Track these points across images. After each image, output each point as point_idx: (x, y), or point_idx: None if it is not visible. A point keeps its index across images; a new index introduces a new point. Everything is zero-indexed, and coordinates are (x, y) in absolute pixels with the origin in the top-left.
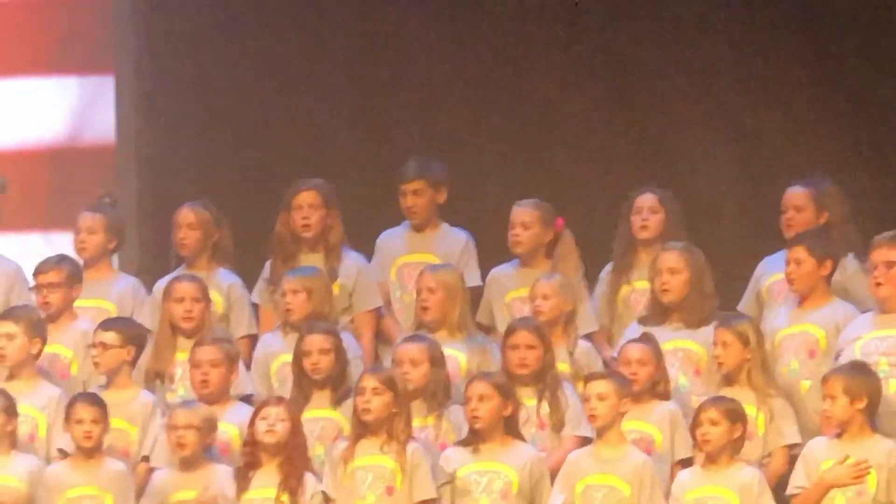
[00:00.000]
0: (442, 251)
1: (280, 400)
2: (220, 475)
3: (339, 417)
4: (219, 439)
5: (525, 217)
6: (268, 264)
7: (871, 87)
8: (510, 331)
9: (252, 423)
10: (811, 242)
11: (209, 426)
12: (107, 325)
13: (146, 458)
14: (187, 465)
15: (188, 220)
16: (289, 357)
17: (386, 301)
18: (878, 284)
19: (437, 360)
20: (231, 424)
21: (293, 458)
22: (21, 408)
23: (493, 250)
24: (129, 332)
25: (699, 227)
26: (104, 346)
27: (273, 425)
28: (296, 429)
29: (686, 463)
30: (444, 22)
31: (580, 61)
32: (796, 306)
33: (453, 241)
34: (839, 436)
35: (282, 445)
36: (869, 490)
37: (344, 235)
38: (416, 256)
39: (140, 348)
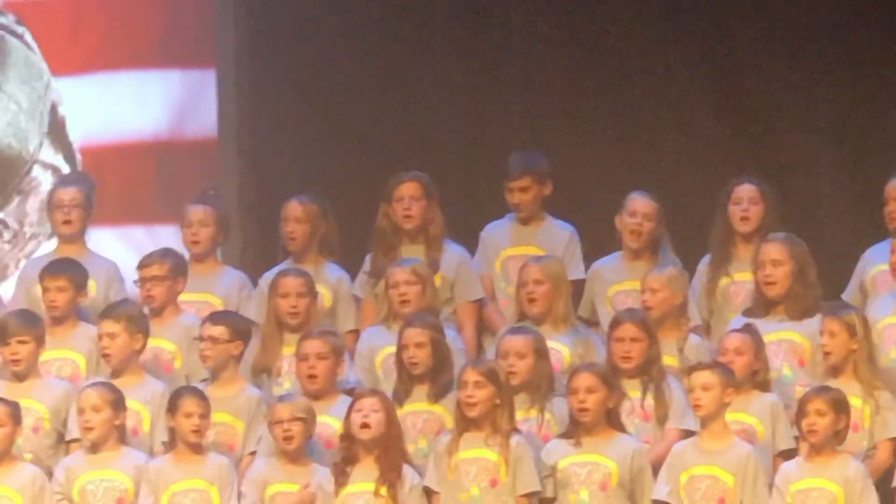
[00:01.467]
0: (547, 244)
1: (374, 392)
2: (319, 472)
3: (441, 411)
4: (325, 433)
5: (647, 208)
6: (368, 257)
7: None
8: (615, 323)
9: (348, 416)
10: None
11: (312, 418)
12: (215, 318)
13: (252, 453)
14: (291, 458)
15: (296, 213)
16: (392, 349)
17: (490, 293)
18: None
19: (542, 353)
20: (337, 419)
21: (389, 450)
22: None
23: (595, 243)
24: (238, 326)
25: (802, 218)
26: (213, 339)
27: (367, 417)
28: (391, 421)
29: (787, 454)
30: (547, 14)
31: (683, 52)
32: None
33: (558, 235)
34: None
35: (377, 438)
36: None
37: (444, 227)
38: (522, 249)
39: (247, 343)
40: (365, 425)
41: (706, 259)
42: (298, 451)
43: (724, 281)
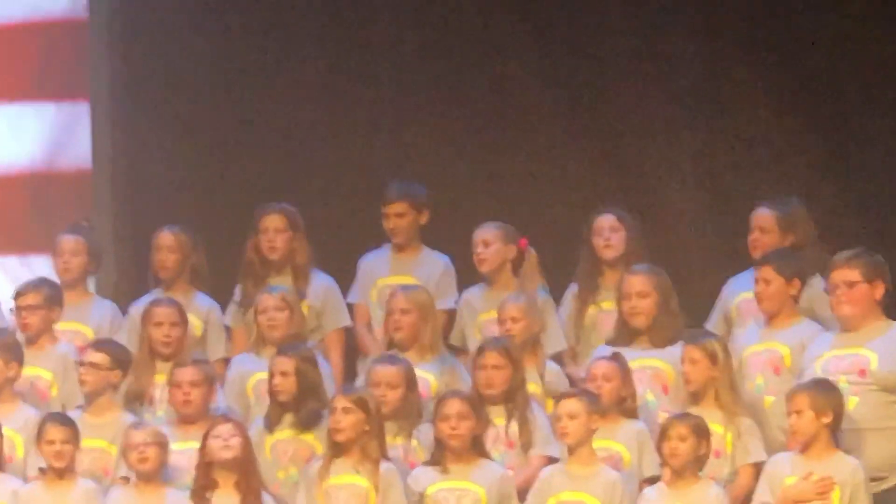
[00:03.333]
0: (422, 274)
1: (229, 419)
2: (178, 497)
3: (311, 438)
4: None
5: (485, 236)
6: (238, 288)
7: (838, 107)
8: (479, 351)
9: (203, 444)
10: (780, 262)
11: (165, 443)
12: (98, 346)
13: (125, 479)
14: (145, 482)
15: (167, 242)
16: (263, 375)
17: (366, 322)
18: (840, 304)
19: (412, 383)
20: None
21: (249, 475)
22: None
23: (470, 275)
24: (119, 355)
25: (665, 246)
26: (94, 365)
27: (227, 440)
28: (247, 446)
29: (653, 481)
30: (417, 44)
31: (548, 85)
32: (765, 325)
33: (434, 265)
34: (803, 452)
35: (238, 461)
36: None
37: (311, 257)
38: (398, 279)
39: (125, 373)
40: (226, 447)
41: (572, 288)
42: (153, 474)
43: (591, 309)
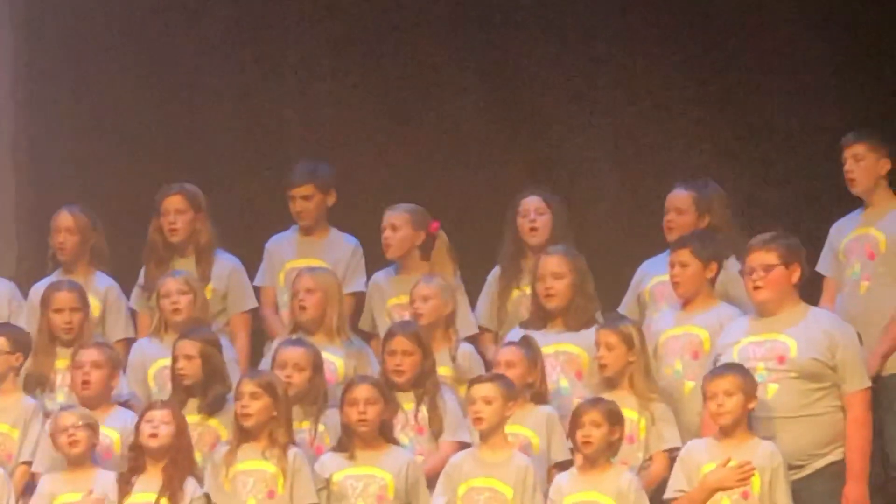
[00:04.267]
0: (330, 257)
1: (165, 403)
2: (104, 479)
3: (216, 424)
4: (102, 444)
5: (394, 220)
6: (142, 270)
7: (754, 89)
8: (388, 336)
9: (138, 426)
10: (696, 245)
11: (95, 426)
12: None
13: (28, 463)
14: (76, 465)
15: (66, 223)
16: (166, 361)
17: (273, 305)
18: (756, 288)
19: (318, 366)
20: (113, 429)
21: (177, 461)
22: None
23: (380, 257)
24: (18, 338)
25: (579, 229)
26: None
27: (157, 428)
28: (181, 432)
29: (562, 466)
30: (326, 22)
31: (463, 63)
32: (681, 308)
33: (342, 247)
34: (721, 438)
35: (165, 449)
36: (753, 492)
37: (215, 238)
38: (305, 261)
39: (27, 354)
40: (153, 435)
41: (495, 271)
42: (84, 456)
43: (515, 293)
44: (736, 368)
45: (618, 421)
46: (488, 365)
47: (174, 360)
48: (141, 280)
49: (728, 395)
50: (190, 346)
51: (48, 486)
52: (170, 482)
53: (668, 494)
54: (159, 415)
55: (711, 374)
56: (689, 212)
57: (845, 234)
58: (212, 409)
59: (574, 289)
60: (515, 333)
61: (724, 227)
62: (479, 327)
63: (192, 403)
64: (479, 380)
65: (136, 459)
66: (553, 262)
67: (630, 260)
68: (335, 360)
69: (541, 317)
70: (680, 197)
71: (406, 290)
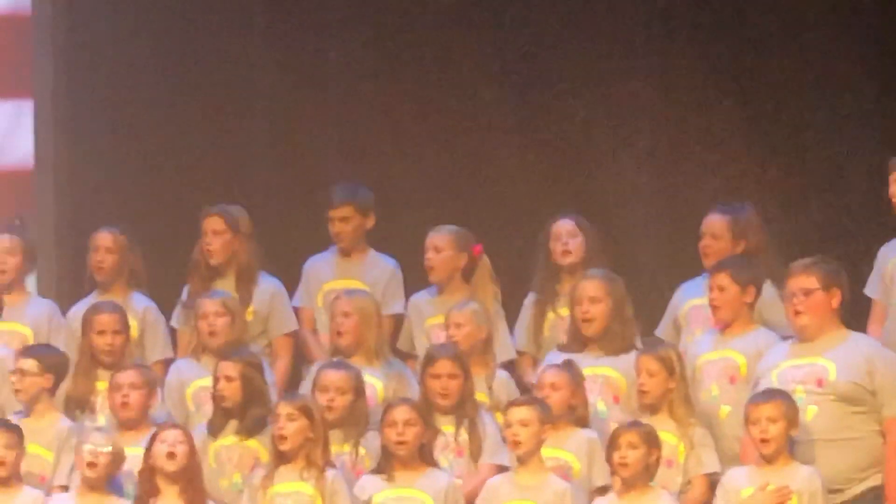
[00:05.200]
0: (369, 278)
1: (176, 425)
2: None
3: (255, 445)
4: (139, 465)
5: (437, 242)
6: (185, 289)
7: (796, 112)
8: (430, 359)
9: (149, 449)
10: (735, 269)
11: (120, 455)
12: (26, 352)
13: (64, 487)
14: (93, 488)
15: (106, 243)
16: (204, 381)
17: (311, 327)
18: (797, 313)
19: (360, 390)
20: None
21: (195, 483)
22: None
23: (419, 278)
24: (49, 359)
25: (617, 252)
26: (23, 373)
27: (174, 447)
28: (193, 454)
29: (603, 491)
30: (366, 46)
31: (503, 86)
32: (719, 333)
33: (380, 268)
34: (760, 464)
35: (182, 470)
36: None
37: (257, 260)
38: (344, 282)
39: (60, 375)
40: (171, 455)
41: (531, 296)
42: (100, 481)
43: (551, 316)
44: (780, 395)
45: (655, 443)
46: (526, 389)
47: (215, 381)
48: (183, 298)
49: (772, 422)
50: (231, 368)
51: None
52: None
53: None
54: (173, 435)
55: (755, 400)
56: (725, 237)
57: (891, 257)
58: (251, 431)
59: (612, 313)
60: (555, 356)
61: (761, 251)
62: (517, 351)
63: (232, 425)
64: (516, 403)
65: (150, 482)
66: (591, 287)
67: (667, 283)
68: (375, 383)
69: (578, 340)
70: (716, 222)
71: (445, 310)
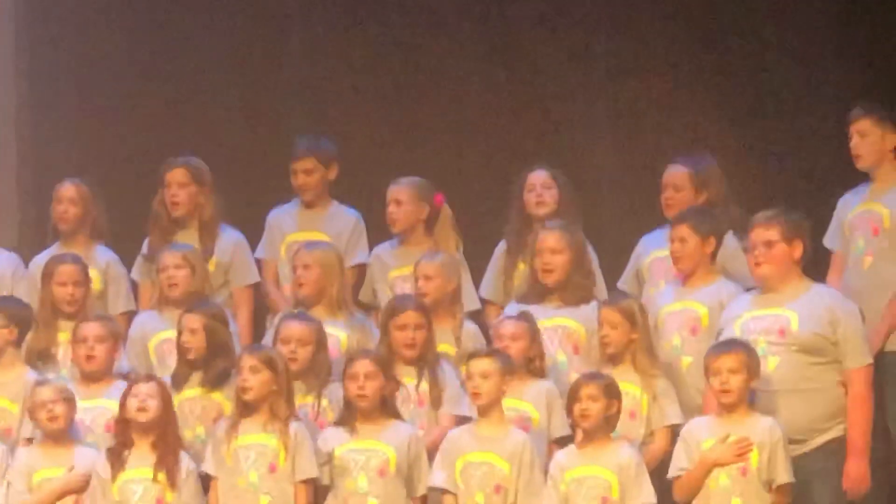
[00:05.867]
0: (332, 229)
1: (150, 377)
2: (84, 454)
3: (220, 397)
4: (103, 417)
5: (399, 194)
6: (146, 242)
7: (753, 65)
8: (395, 310)
9: (123, 401)
10: (695, 220)
11: (72, 400)
12: None
13: (29, 440)
14: (55, 440)
15: (69, 194)
16: (166, 334)
17: (275, 278)
18: (758, 264)
19: (322, 341)
20: (115, 401)
21: (167, 436)
22: None
23: (382, 229)
24: (13, 311)
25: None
26: None
27: (144, 402)
28: (167, 407)
29: (562, 441)
30: (329, 1)
31: (463, 39)
32: (680, 284)
33: (343, 220)
34: (721, 414)
35: (153, 423)
36: (752, 467)
37: (218, 212)
38: (307, 234)
39: (25, 328)
40: (142, 409)
41: (501, 245)
42: (62, 432)
43: (521, 267)
44: (740, 345)
45: (615, 395)
46: (491, 339)
47: (178, 333)
48: (144, 251)
49: (732, 373)
50: (194, 320)
51: (26, 460)
52: (164, 457)
53: (670, 473)
54: (146, 388)
55: (715, 351)
56: (687, 188)
57: (851, 208)
58: (215, 383)
59: (572, 264)
60: (513, 308)
61: (722, 201)
62: (485, 301)
63: (196, 377)
64: (476, 354)
65: (123, 434)
66: (551, 238)
67: (630, 235)
68: (338, 334)
69: (538, 291)
70: (677, 173)
71: (408, 262)
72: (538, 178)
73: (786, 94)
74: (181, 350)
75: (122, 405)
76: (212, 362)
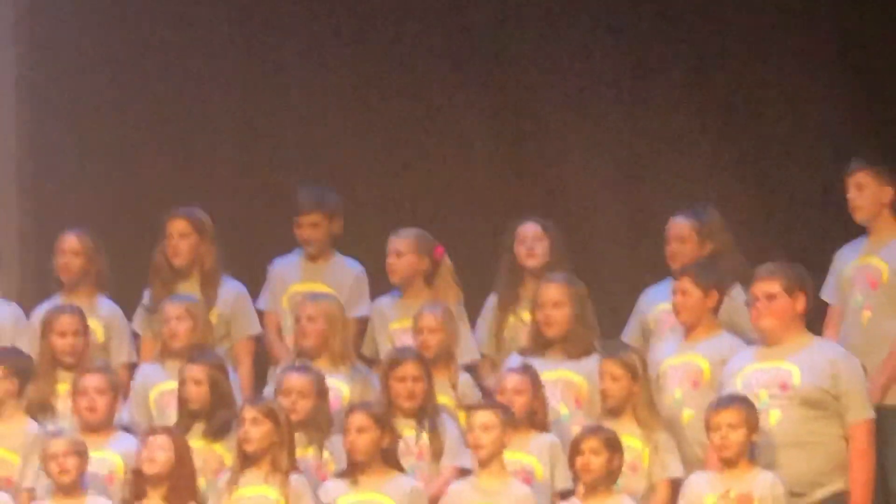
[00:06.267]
0: (334, 281)
1: (164, 429)
2: None
3: (220, 449)
4: (104, 469)
5: (399, 245)
6: (147, 292)
7: (755, 117)
8: (395, 362)
9: (138, 452)
10: (697, 273)
11: (84, 452)
12: None
13: (31, 490)
14: (67, 493)
15: (72, 245)
16: (167, 385)
17: (276, 329)
18: (760, 317)
19: (322, 392)
20: (115, 454)
21: (178, 488)
22: None
23: (385, 281)
24: (13, 363)
25: (582, 257)
26: None
27: (154, 454)
28: (182, 458)
29: (566, 495)
30: (330, 43)
31: (467, 88)
32: (683, 337)
33: (346, 272)
34: (722, 469)
35: (163, 475)
36: None
37: (220, 262)
38: (309, 285)
39: (25, 379)
40: (151, 460)
41: (493, 298)
42: (74, 485)
43: (512, 319)
44: (740, 400)
45: (617, 448)
46: (485, 391)
47: (181, 383)
48: (145, 301)
49: (732, 428)
50: (198, 371)
51: None
52: None
53: None
54: (158, 440)
55: (716, 406)
56: (691, 240)
57: (848, 262)
58: (217, 434)
59: (574, 317)
60: (514, 360)
61: (727, 251)
62: None
63: (198, 428)
64: (478, 407)
65: (137, 485)
66: (553, 290)
67: (634, 288)
68: (341, 387)
69: (540, 344)
70: (680, 225)
71: (409, 314)
72: (529, 229)
73: (791, 146)
74: (184, 401)
75: (137, 454)
76: (214, 413)
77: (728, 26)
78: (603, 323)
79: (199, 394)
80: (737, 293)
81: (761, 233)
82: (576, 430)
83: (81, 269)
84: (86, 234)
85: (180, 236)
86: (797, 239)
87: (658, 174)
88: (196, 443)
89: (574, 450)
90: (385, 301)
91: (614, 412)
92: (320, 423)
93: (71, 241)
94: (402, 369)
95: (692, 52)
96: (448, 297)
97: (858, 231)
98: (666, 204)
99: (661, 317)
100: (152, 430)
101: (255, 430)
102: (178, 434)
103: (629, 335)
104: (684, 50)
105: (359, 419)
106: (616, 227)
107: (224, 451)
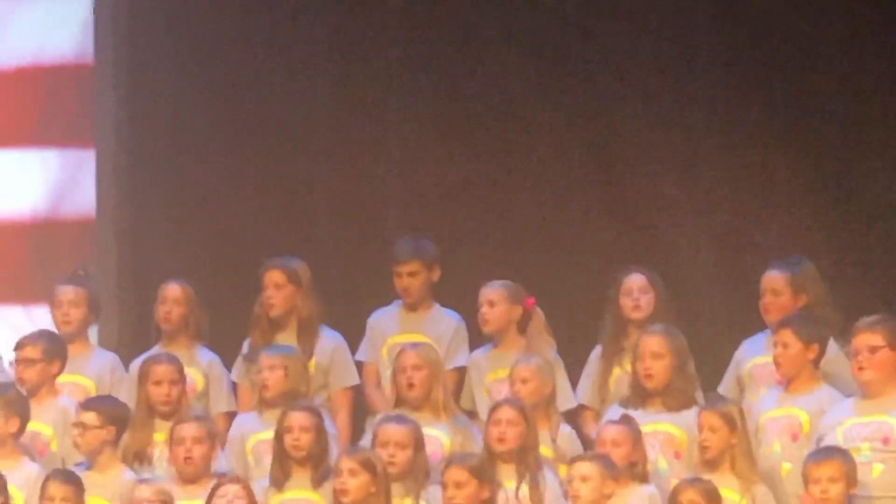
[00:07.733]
0: (434, 332)
1: (238, 479)
2: None
3: (319, 498)
4: None
5: (491, 296)
6: (246, 342)
7: (854, 167)
8: (494, 408)
9: (209, 502)
10: (798, 326)
11: (171, 501)
12: (87, 405)
13: None
14: None
15: (174, 295)
16: (264, 435)
17: (375, 380)
18: (862, 369)
19: (420, 443)
20: None
21: None
22: None
23: (480, 333)
24: (110, 412)
25: (680, 309)
26: (84, 426)
27: (231, 502)
28: None
29: None
30: (428, 95)
31: (562, 141)
32: (783, 390)
33: (445, 323)
34: None
35: None
36: None
37: (318, 313)
38: (408, 336)
39: (122, 427)
40: None
41: (597, 350)
42: None
43: (617, 371)
44: (839, 453)
45: (716, 500)
46: (589, 443)
47: (287, 431)
48: (244, 351)
49: (832, 482)
50: (306, 419)
51: None
52: None
53: None
54: (233, 490)
55: (815, 459)
56: (785, 292)
57: None
58: (318, 482)
59: (673, 369)
60: (614, 412)
61: (821, 303)
62: (581, 406)
63: (300, 477)
64: (579, 458)
65: None
66: (653, 342)
67: (728, 340)
68: (442, 437)
69: (640, 395)
70: (775, 278)
71: (503, 364)
72: (635, 281)
73: (887, 198)
74: (288, 449)
75: None
76: (319, 462)
77: (825, 81)
78: (700, 374)
79: (306, 441)
80: (830, 345)
81: (857, 285)
82: (674, 482)
83: (182, 318)
84: (187, 284)
85: (275, 287)
86: (893, 292)
87: (754, 224)
88: (294, 493)
89: (673, 501)
90: (480, 353)
91: (712, 464)
92: (417, 473)
93: (174, 291)
94: (498, 412)
95: (788, 108)
96: (542, 347)
97: None
98: (759, 256)
99: (756, 370)
100: (225, 480)
101: (353, 481)
102: (247, 484)
103: (725, 387)
104: (780, 107)
105: (456, 474)
106: (713, 279)
107: (321, 501)
